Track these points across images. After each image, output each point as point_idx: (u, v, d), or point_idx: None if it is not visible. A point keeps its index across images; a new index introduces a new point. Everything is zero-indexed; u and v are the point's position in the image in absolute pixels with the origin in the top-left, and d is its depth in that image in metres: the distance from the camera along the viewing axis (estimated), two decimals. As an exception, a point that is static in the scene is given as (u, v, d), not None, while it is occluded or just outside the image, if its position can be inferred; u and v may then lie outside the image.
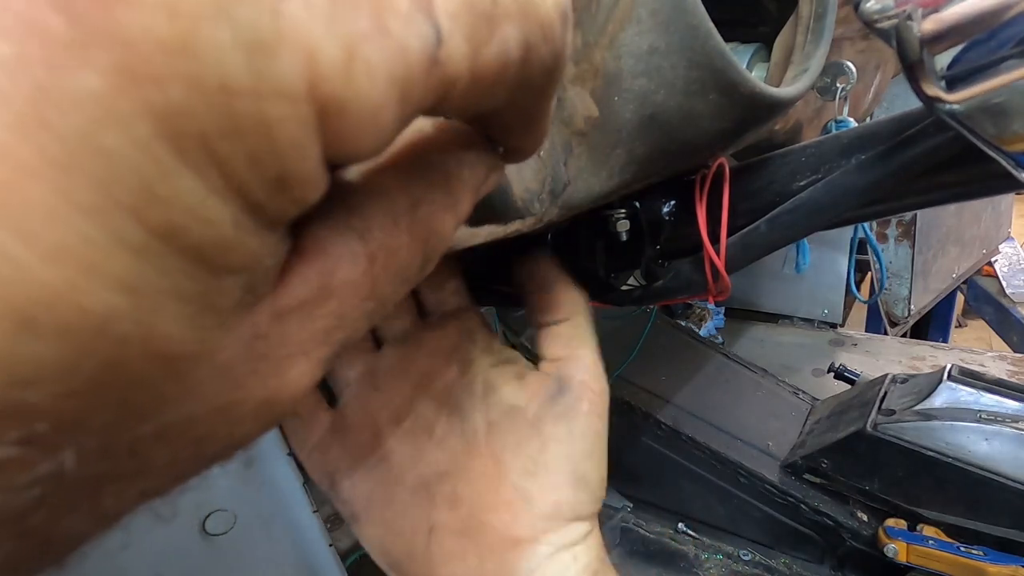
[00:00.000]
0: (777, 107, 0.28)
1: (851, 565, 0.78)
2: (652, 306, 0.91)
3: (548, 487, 0.28)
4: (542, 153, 0.25)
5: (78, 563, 0.10)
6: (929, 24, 0.20)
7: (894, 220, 1.28)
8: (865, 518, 0.77)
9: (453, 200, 0.15)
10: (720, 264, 0.31)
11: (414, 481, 0.30)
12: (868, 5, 0.21)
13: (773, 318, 1.34)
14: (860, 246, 1.20)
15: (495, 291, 0.40)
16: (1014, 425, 0.68)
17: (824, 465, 0.77)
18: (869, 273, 1.47)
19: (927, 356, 1.18)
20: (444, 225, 0.15)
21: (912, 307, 1.33)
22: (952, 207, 1.38)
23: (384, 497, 0.30)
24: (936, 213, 1.34)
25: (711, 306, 1.25)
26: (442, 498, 0.29)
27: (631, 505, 0.90)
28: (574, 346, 0.30)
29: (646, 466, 0.90)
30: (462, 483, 0.29)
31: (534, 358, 0.32)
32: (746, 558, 0.84)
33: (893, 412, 0.74)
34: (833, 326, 1.29)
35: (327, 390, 0.32)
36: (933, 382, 0.76)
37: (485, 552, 0.28)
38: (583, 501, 0.29)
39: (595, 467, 0.29)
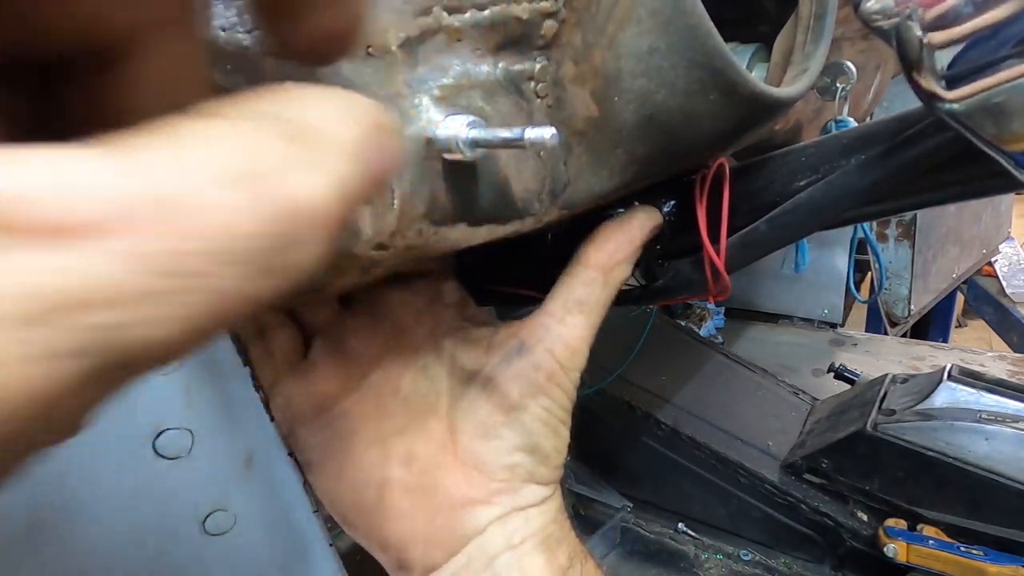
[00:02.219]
0: (777, 107, 0.28)
1: (851, 565, 0.78)
2: (652, 306, 0.91)
3: (500, 450, 0.28)
4: (542, 153, 0.25)
5: (78, 563, 0.10)
6: (939, 37, 0.20)
7: (894, 220, 1.28)
8: (865, 518, 0.77)
9: None
10: (720, 264, 0.31)
11: (371, 436, 0.30)
12: (868, 5, 0.21)
13: (773, 318, 1.34)
14: (860, 246, 1.20)
15: (495, 291, 0.40)
16: (1014, 425, 0.68)
17: (824, 465, 0.77)
18: (869, 273, 1.47)
19: (927, 356, 1.17)
20: None
21: (912, 307, 1.33)
22: (952, 207, 1.38)
23: (340, 448, 0.30)
24: (936, 213, 1.34)
25: (711, 306, 1.25)
26: (397, 455, 0.29)
27: (631, 505, 0.90)
28: (560, 315, 0.29)
29: (646, 466, 0.90)
30: (419, 442, 0.29)
31: None
32: (746, 558, 0.84)
33: (893, 412, 0.74)
34: (833, 326, 1.29)
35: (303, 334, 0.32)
36: (933, 382, 0.76)
37: (434, 510, 0.28)
38: (538, 467, 0.29)
39: (551, 438, 0.29)
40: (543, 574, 0.28)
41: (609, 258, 0.30)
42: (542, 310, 0.30)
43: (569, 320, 0.29)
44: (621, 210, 0.33)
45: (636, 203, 0.33)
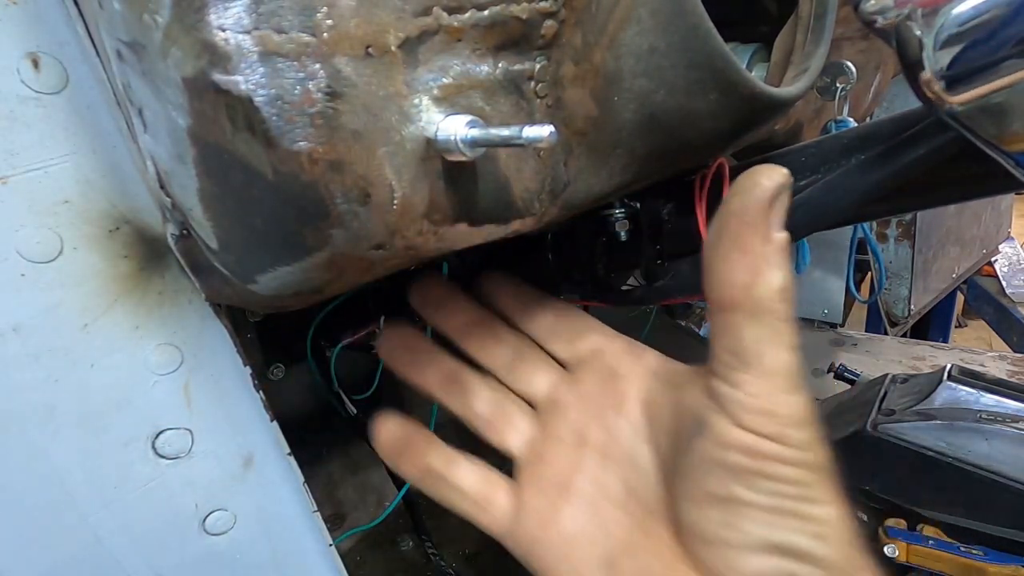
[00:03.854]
0: (777, 107, 0.28)
1: (851, 565, 0.78)
2: (652, 306, 0.91)
3: (733, 560, 0.22)
4: (542, 153, 0.25)
5: (77, 562, 0.10)
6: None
7: (894, 220, 1.28)
8: (865, 518, 0.77)
9: None
10: (720, 264, 0.31)
11: (599, 556, 0.25)
12: (868, 5, 0.21)
13: (773, 318, 1.33)
14: (860, 246, 1.20)
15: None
16: (1014, 425, 0.68)
17: (824, 465, 0.77)
18: (869, 273, 1.47)
19: (927, 356, 1.17)
20: None
21: (912, 307, 1.33)
22: (952, 207, 1.38)
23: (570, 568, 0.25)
24: (936, 213, 1.34)
25: (711, 306, 1.25)
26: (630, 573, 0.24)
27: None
28: (724, 374, 0.23)
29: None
30: (650, 557, 0.24)
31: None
32: (746, 558, 0.84)
33: (893, 412, 0.74)
34: (833, 326, 1.29)
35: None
36: (933, 382, 0.76)
37: None
38: (794, 564, 0.21)
39: (795, 523, 0.21)
40: None
41: (742, 280, 0.22)
42: (708, 367, 0.23)
43: (741, 379, 0.22)
44: (622, 211, 0.33)
45: (636, 204, 0.33)
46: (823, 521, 0.21)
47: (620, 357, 0.30)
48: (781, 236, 0.22)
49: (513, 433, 0.30)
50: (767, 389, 0.22)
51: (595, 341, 0.31)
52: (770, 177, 0.22)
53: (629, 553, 0.25)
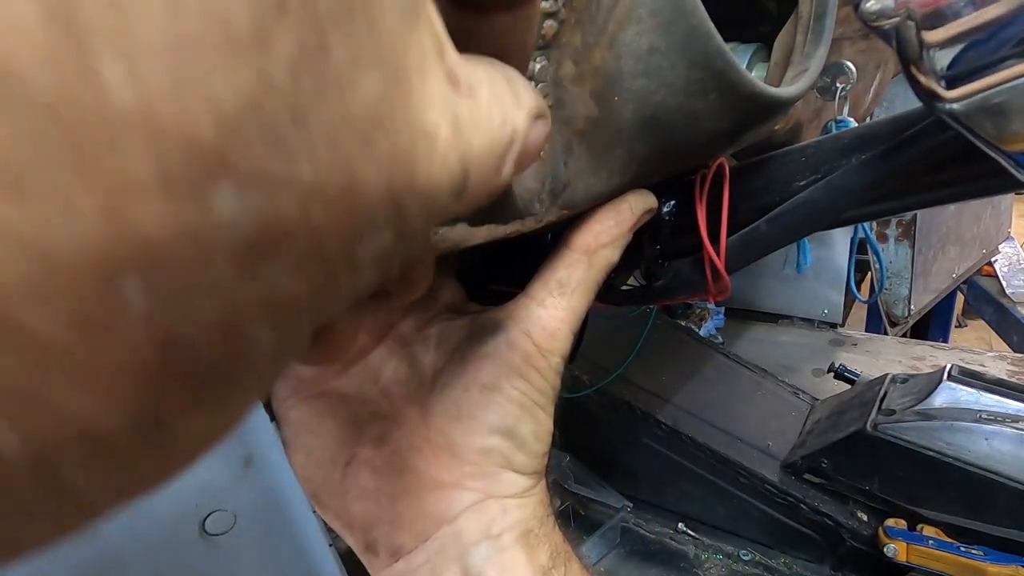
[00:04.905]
0: (777, 107, 0.28)
1: (851, 565, 0.78)
2: (652, 306, 0.91)
3: (472, 431, 0.27)
4: (542, 153, 0.25)
5: (78, 563, 0.10)
6: (937, 35, 0.20)
7: (894, 220, 1.28)
8: (865, 518, 0.77)
9: None
10: (720, 264, 0.31)
11: (347, 416, 0.29)
12: (868, 5, 0.21)
13: (773, 318, 1.34)
14: (860, 246, 1.20)
15: (496, 291, 0.40)
16: (1014, 425, 0.68)
17: (824, 465, 0.77)
18: (869, 273, 1.47)
19: (927, 356, 1.18)
20: None
21: (912, 307, 1.33)
22: (952, 207, 1.38)
23: (314, 427, 0.29)
24: (936, 213, 1.34)
25: (711, 306, 1.25)
26: (370, 436, 0.29)
27: (631, 505, 0.90)
28: (540, 296, 0.28)
29: (646, 466, 0.90)
30: (392, 425, 0.29)
31: None
32: (746, 558, 0.84)
33: (893, 412, 0.74)
34: (833, 326, 1.29)
35: None
36: (933, 382, 0.76)
37: (400, 492, 0.27)
38: (515, 454, 0.28)
39: (529, 422, 0.28)
40: (524, 571, 0.27)
41: (594, 239, 0.29)
42: (524, 292, 0.29)
43: (549, 301, 0.28)
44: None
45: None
46: (544, 428, 0.28)
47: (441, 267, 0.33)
48: (628, 239, 0.30)
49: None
50: (562, 317, 0.28)
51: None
52: (647, 200, 0.30)
53: (374, 419, 0.29)
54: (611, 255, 0.29)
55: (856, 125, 0.48)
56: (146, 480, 0.10)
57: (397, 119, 0.11)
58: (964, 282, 1.66)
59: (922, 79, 0.21)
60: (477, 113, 0.14)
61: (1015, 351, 1.47)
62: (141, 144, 0.08)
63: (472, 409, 0.27)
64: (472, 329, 0.30)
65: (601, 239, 0.29)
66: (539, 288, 0.29)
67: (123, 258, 0.08)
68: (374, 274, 0.12)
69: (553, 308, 0.28)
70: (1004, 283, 1.71)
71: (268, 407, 0.32)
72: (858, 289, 1.21)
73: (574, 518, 0.91)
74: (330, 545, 0.34)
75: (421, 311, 0.32)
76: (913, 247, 1.28)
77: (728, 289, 0.32)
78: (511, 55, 0.17)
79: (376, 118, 0.11)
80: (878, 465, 0.73)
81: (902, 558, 0.69)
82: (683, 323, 1.14)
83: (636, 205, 0.30)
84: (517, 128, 0.15)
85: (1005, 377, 0.85)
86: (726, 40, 0.25)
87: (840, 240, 1.22)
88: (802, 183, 0.31)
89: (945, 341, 1.70)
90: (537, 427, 0.28)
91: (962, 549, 0.67)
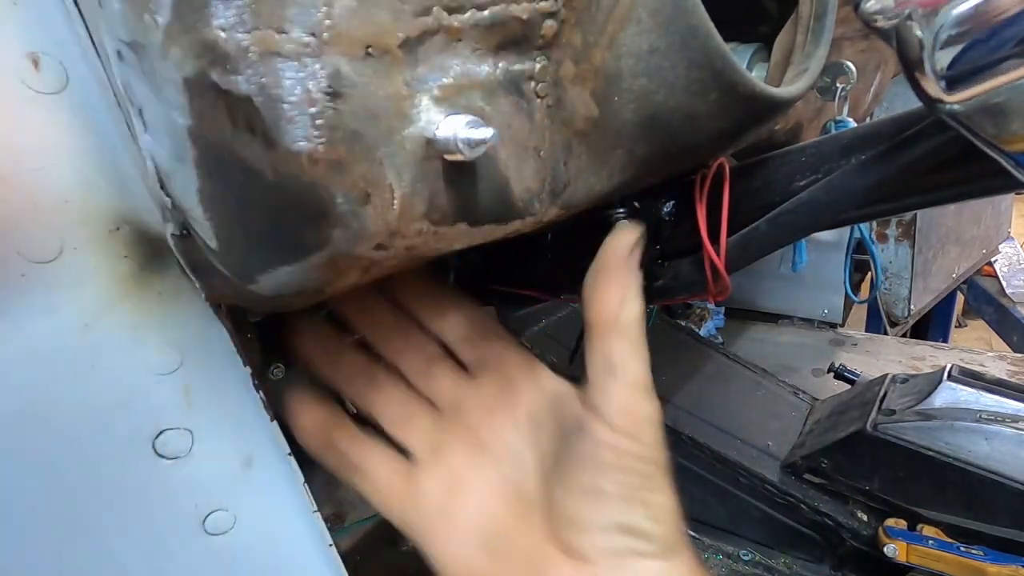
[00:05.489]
0: (777, 107, 0.28)
1: (851, 565, 0.78)
2: (652, 306, 0.91)
3: (593, 538, 0.27)
4: (542, 153, 0.25)
5: (77, 562, 0.10)
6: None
7: (894, 220, 1.28)
8: (865, 518, 0.77)
9: None
10: (720, 264, 0.31)
11: (481, 540, 0.30)
12: (868, 5, 0.21)
13: (773, 318, 1.34)
14: (860, 246, 1.20)
15: (495, 291, 0.40)
16: (1014, 425, 0.68)
17: (824, 465, 0.77)
18: (869, 273, 1.47)
19: (927, 356, 1.17)
20: None
21: (912, 307, 1.33)
22: (952, 207, 1.38)
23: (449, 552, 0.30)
24: (936, 213, 1.34)
25: (711, 306, 1.25)
26: (502, 554, 0.29)
27: (631, 505, 0.90)
28: (599, 384, 0.28)
29: (646, 466, 0.90)
30: (522, 536, 0.29)
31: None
32: (746, 558, 0.84)
33: (893, 412, 0.74)
34: (833, 326, 1.29)
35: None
36: (933, 382, 0.76)
37: None
38: (639, 543, 0.27)
39: (642, 510, 0.27)
40: None
41: (605, 305, 0.29)
42: (587, 378, 0.29)
43: (610, 386, 0.28)
44: (622, 211, 0.33)
45: (636, 204, 0.33)
46: (659, 506, 0.28)
47: (518, 367, 0.33)
48: (637, 277, 0.29)
49: (415, 432, 0.33)
50: (629, 394, 0.28)
51: (499, 348, 0.34)
52: (631, 235, 0.30)
53: (506, 536, 0.30)
54: (632, 306, 0.29)
55: (856, 125, 0.48)
56: None
57: None
58: (964, 282, 1.66)
59: (922, 79, 0.21)
60: None
61: (1015, 351, 1.47)
62: None
63: (584, 516, 0.28)
64: (560, 428, 0.30)
65: (612, 301, 0.29)
66: (595, 376, 0.29)
67: None
68: None
69: (616, 391, 0.28)
70: (1004, 283, 1.71)
71: (268, 407, 0.32)
72: (858, 289, 1.21)
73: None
74: (330, 545, 0.34)
75: (492, 404, 0.32)
76: (913, 247, 1.28)
77: (728, 289, 0.32)
78: None
79: None
80: (878, 465, 0.73)
81: (902, 558, 0.69)
82: (683, 323, 1.14)
83: (626, 243, 0.30)
84: None
85: (1005, 377, 0.85)
86: (726, 40, 0.25)
87: (841, 240, 1.22)
88: (802, 183, 0.31)
89: (945, 341, 1.70)
90: (649, 510, 0.28)
91: (962, 549, 0.67)
